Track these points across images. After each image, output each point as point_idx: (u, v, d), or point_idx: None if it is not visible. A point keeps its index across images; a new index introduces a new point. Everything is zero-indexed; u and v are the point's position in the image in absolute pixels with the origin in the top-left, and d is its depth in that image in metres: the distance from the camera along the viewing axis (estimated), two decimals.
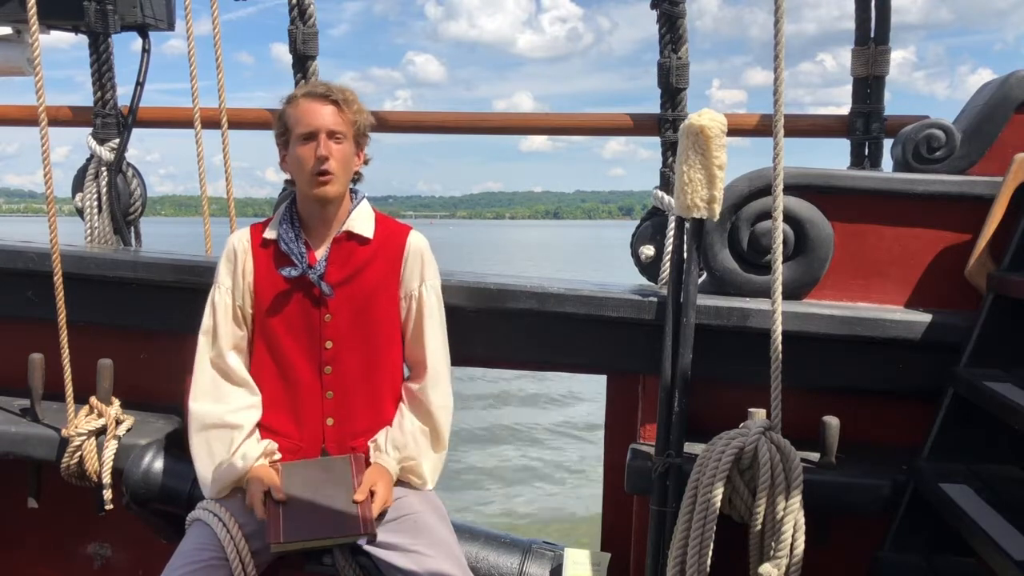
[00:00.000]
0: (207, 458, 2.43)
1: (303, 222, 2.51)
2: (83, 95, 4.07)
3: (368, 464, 2.46)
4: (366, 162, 2.56)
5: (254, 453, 2.41)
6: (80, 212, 3.87)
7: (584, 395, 12.24)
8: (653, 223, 3.52)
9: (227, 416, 2.43)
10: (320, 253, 2.48)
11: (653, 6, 3.39)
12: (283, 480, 2.37)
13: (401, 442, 2.48)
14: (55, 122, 3.70)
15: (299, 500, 2.32)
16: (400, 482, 2.49)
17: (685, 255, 2.72)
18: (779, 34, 2.52)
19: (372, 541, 2.32)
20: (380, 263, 2.52)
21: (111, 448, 2.82)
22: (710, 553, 2.47)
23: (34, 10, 2.75)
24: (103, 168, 3.82)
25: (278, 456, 2.47)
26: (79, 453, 2.82)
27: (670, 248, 3.30)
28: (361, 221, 2.52)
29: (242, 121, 3.79)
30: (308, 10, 3.57)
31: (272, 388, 2.50)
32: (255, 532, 2.33)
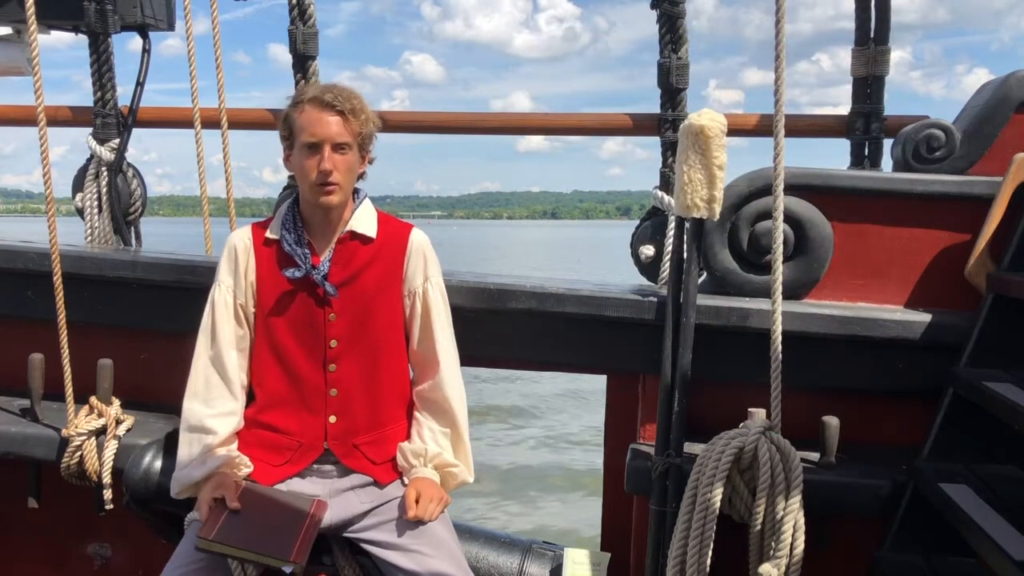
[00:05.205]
0: (186, 458, 2.44)
1: (306, 222, 2.50)
2: (81, 95, 4.05)
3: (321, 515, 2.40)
4: (370, 162, 2.55)
5: (217, 463, 2.40)
6: (80, 212, 3.87)
7: (584, 394, 12.23)
8: (653, 223, 3.52)
9: (206, 420, 2.44)
10: (323, 253, 2.48)
11: (653, 6, 3.39)
12: (241, 494, 2.35)
13: (434, 451, 2.49)
14: (54, 122, 3.70)
15: (245, 512, 2.31)
16: (405, 483, 2.48)
17: (685, 255, 2.72)
18: (780, 34, 2.53)
19: (297, 573, 2.28)
20: (383, 262, 2.52)
21: (111, 448, 2.82)
22: (710, 553, 2.48)
23: (33, 10, 2.75)
24: (103, 168, 3.81)
25: (247, 470, 2.45)
26: (79, 453, 2.82)
27: (670, 248, 3.30)
28: (364, 221, 2.52)
29: (242, 121, 3.78)
30: (308, 10, 3.57)
31: (275, 386, 2.50)
32: None
